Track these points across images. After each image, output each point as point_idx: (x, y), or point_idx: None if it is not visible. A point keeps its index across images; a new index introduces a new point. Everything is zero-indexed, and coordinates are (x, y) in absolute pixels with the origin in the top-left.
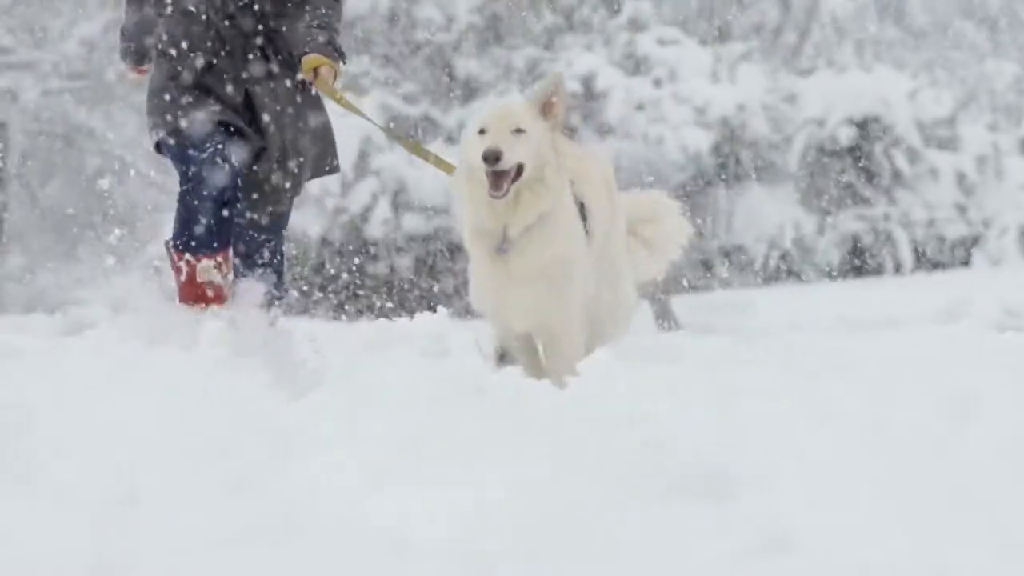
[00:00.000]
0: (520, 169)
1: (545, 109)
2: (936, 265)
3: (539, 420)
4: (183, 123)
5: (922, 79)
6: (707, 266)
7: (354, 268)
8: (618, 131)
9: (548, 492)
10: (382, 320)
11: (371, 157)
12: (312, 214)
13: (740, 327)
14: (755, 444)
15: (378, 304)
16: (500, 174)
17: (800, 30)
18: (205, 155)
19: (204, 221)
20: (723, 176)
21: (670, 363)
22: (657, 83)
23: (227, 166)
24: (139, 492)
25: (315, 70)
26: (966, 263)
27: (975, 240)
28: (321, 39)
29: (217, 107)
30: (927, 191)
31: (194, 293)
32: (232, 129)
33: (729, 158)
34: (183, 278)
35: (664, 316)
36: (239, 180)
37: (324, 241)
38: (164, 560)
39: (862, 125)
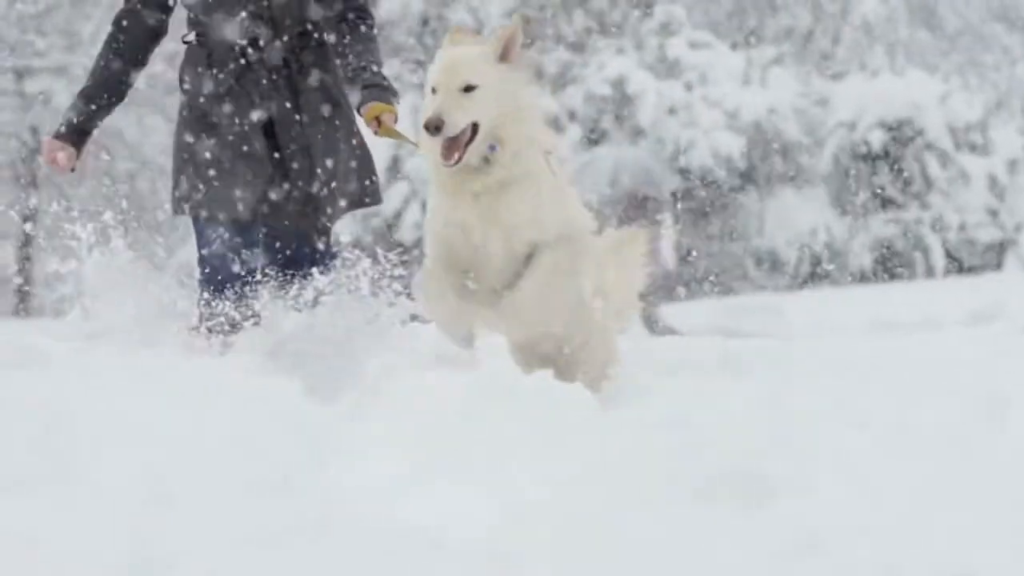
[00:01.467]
0: (476, 128)
1: (504, 55)
2: (968, 269)
3: (573, 422)
4: (208, 208)
5: (953, 83)
6: (739, 270)
7: None
8: (649, 135)
9: (582, 494)
10: (415, 323)
11: (403, 161)
12: (344, 218)
13: (772, 331)
14: (789, 447)
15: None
16: (450, 140)
17: (831, 34)
18: (227, 255)
19: (224, 301)
20: (754, 180)
21: (703, 366)
22: (688, 87)
23: (249, 262)
24: (175, 493)
25: (377, 118)
26: (998, 267)
27: (1007, 244)
28: (376, 85)
29: (240, 190)
30: (958, 195)
31: None
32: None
33: (761, 162)
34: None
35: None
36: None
37: (355, 244)
38: (200, 560)
39: (894, 129)
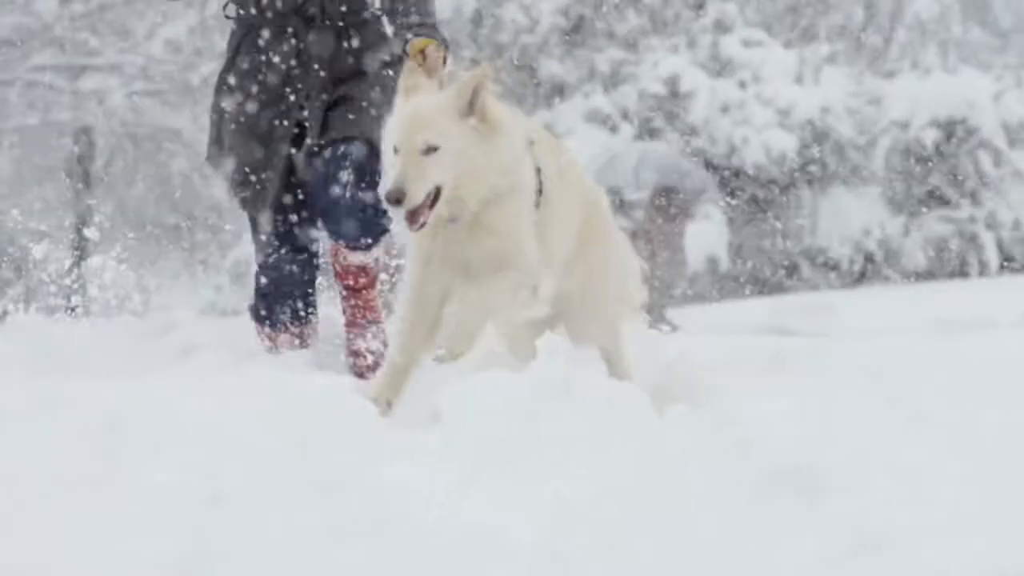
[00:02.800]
0: (438, 191)
1: (469, 108)
2: (1022, 267)
3: (627, 421)
4: (254, 203)
5: (1007, 80)
6: (792, 268)
7: None
8: (702, 133)
9: (636, 492)
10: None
11: None
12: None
13: (825, 330)
14: (844, 444)
15: None
16: (411, 210)
17: (884, 32)
18: (281, 252)
19: (282, 303)
20: (807, 178)
21: (756, 365)
22: (742, 85)
23: (303, 262)
24: (229, 493)
25: (422, 52)
26: None
27: None
28: (425, 27)
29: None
30: (1012, 193)
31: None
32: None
33: (813, 160)
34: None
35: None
36: (315, 248)
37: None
38: (252, 560)
39: (947, 127)
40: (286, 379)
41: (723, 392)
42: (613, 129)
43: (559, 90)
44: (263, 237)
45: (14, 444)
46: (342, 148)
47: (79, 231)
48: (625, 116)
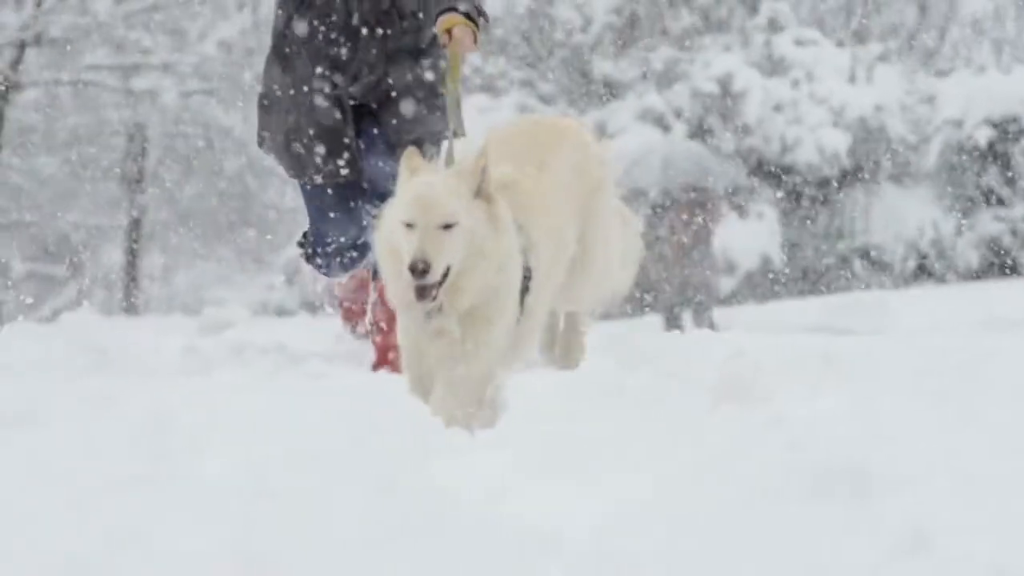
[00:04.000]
0: (447, 270)
1: (478, 190)
2: None
3: (680, 420)
4: (309, 182)
5: None
6: (844, 267)
7: None
8: (755, 132)
9: (690, 492)
10: None
11: None
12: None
13: (878, 328)
14: (896, 444)
15: None
16: (426, 284)
17: (938, 31)
18: (328, 249)
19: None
20: (860, 177)
21: (809, 364)
22: (795, 84)
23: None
24: (278, 491)
25: (449, 32)
26: None
27: None
28: (461, 4)
29: (333, 163)
30: None
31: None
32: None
33: (866, 159)
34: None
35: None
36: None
37: None
38: (306, 559)
39: (1000, 126)
40: (339, 378)
41: (775, 391)
42: (666, 128)
43: (612, 89)
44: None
45: (67, 443)
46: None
47: (132, 230)
48: (678, 115)
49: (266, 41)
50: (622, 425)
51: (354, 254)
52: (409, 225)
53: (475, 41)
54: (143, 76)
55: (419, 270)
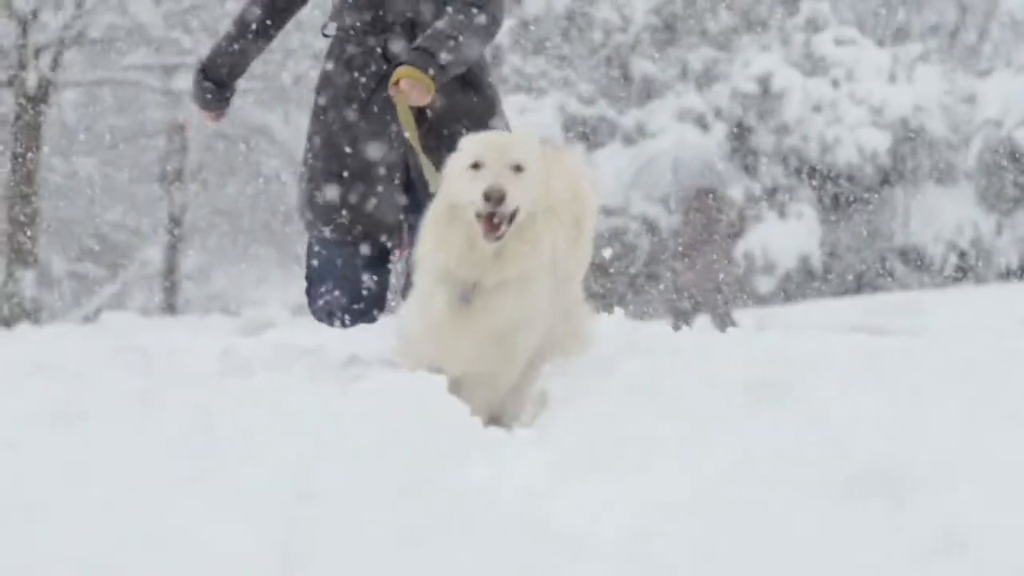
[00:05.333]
0: (515, 213)
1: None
2: None
3: (716, 420)
4: (316, 242)
5: None
6: (883, 267)
7: None
8: (795, 132)
9: (726, 492)
10: None
11: None
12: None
13: (917, 329)
14: (934, 445)
15: None
16: (498, 217)
17: (978, 30)
18: (322, 301)
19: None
20: (900, 177)
21: (846, 364)
22: (834, 83)
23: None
24: (318, 491)
25: (396, 84)
26: None
27: None
28: (417, 48)
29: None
30: None
31: None
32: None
33: (906, 159)
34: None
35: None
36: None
37: None
38: (344, 559)
39: None
40: (378, 379)
41: (813, 391)
42: (705, 128)
43: (651, 89)
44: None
45: (108, 443)
46: None
47: (172, 230)
48: (717, 114)
49: (306, 41)
50: (658, 424)
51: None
52: (475, 166)
53: (428, 90)
54: (183, 76)
55: (497, 197)
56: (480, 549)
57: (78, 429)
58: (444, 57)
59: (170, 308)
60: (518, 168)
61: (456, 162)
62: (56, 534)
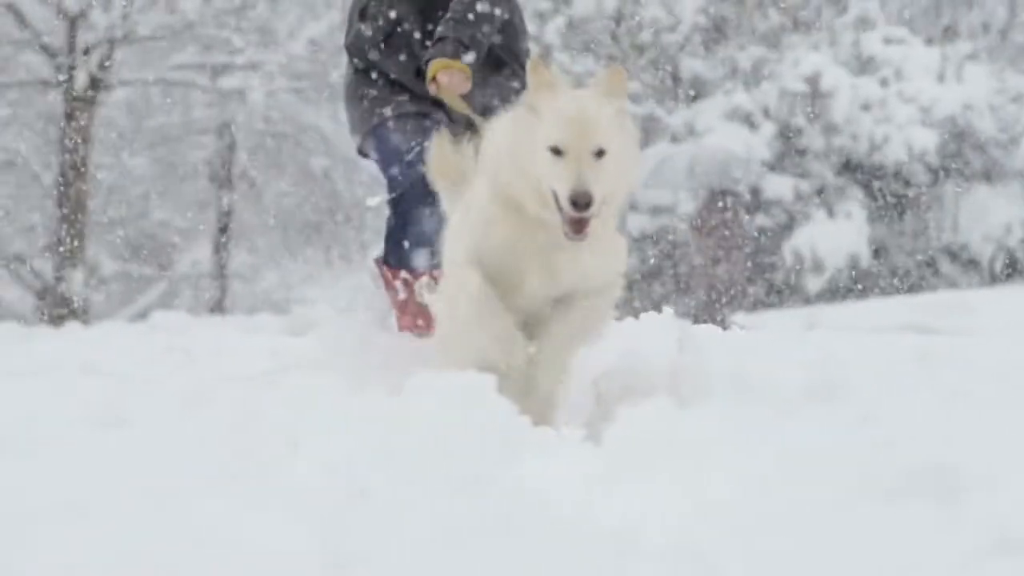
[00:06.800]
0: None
1: (622, 110)
2: None
3: (763, 419)
4: (380, 127)
5: None
6: (932, 266)
7: None
8: (844, 131)
9: (774, 492)
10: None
11: None
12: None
13: (965, 328)
14: (981, 444)
15: None
16: (586, 218)
17: None
18: (407, 158)
19: (419, 232)
20: (949, 176)
21: (895, 363)
22: (883, 82)
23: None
24: (368, 490)
25: (435, 80)
26: None
27: None
28: (442, 38)
29: (407, 100)
30: None
31: (414, 319)
32: (428, 120)
33: (955, 158)
34: (402, 297)
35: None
36: None
37: None
38: (393, 557)
39: None
40: (427, 378)
41: (863, 390)
42: (753, 127)
43: (700, 88)
44: (394, 145)
45: (156, 442)
46: None
47: (220, 229)
48: (766, 114)
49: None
50: (706, 423)
51: None
52: (556, 151)
53: (466, 75)
54: (231, 75)
55: (582, 203)
56: (529, 549)
57: (126, 428)
58: (467, 38)
59: (218, 307)
60: (600, 153)
61: (538, 132)
62: (106, 533)
